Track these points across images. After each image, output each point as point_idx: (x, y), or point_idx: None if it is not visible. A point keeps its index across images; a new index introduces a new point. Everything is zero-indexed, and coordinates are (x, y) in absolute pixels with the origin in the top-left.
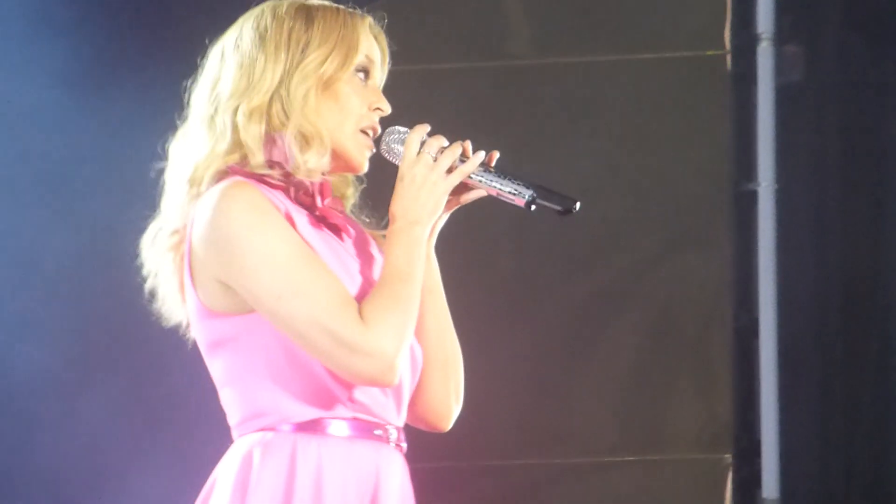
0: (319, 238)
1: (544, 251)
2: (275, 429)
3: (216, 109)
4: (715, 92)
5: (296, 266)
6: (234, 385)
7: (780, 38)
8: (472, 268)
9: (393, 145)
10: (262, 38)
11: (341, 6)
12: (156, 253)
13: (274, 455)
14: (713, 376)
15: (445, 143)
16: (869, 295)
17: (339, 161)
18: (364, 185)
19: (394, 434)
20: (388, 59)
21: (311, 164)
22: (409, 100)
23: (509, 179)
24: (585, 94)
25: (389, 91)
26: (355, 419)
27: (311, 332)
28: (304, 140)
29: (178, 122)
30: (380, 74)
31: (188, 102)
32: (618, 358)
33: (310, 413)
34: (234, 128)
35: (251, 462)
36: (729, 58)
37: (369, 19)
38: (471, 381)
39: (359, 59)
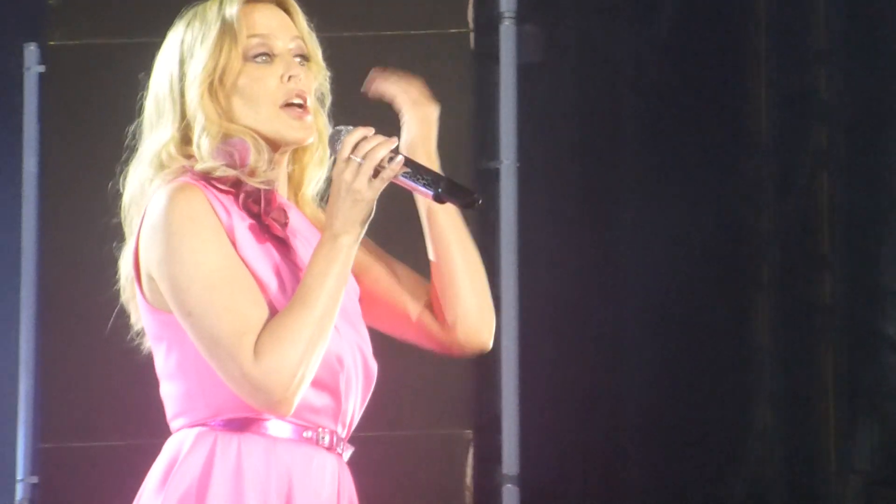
0: (260, 250)
1: None
2: (204, 425)
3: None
4: (458, 70)
5: (212, 286)
6: (167, 380)
7: (521, 18)
8: None
9: (334, 146)
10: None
11: None
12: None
13: (196, 451)
14: None
15: (377, 141)
16: (604, 273)
17: (279, 144)
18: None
19: (325, 438)
20: (297, 20)
21: (254, 162)
22: None
23: (421, 176)
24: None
25: None
26: (283, 420)
27: (211, 356)
28: (244, 144)
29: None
30: (282, 43)
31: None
32: None
33: (236, 411)
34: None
35: (177, 457)
36: (472, 36)
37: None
38: None
39: (245, 47)
